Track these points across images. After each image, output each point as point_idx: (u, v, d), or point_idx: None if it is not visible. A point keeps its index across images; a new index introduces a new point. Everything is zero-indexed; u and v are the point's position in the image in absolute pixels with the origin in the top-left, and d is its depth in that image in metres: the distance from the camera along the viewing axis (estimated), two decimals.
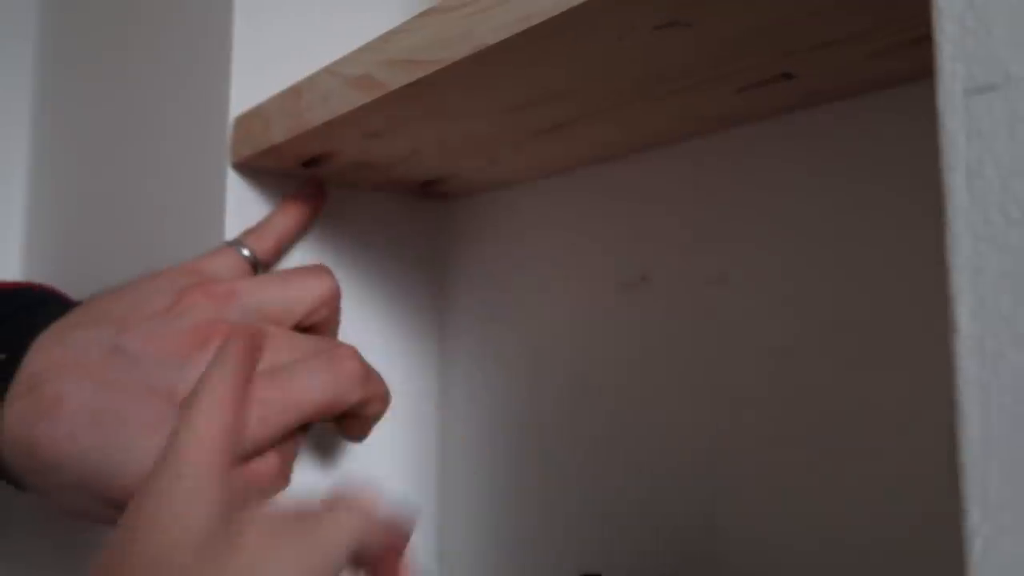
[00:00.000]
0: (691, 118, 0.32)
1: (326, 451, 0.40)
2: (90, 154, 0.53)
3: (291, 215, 0.38)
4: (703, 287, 0.34)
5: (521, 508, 0.40)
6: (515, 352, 0.41)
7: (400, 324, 0.43)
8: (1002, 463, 0.13)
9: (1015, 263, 0.13)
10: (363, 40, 0.30)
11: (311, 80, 0.33)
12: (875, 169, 0.29)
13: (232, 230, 0.37)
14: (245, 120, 0.37)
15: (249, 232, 0.37)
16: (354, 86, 0.30)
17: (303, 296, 0.33)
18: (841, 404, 0.29)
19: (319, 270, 0.34)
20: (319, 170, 0.39)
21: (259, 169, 0.38)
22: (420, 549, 0.43)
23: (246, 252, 0.36)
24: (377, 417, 0.35)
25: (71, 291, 0.37)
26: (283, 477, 0.32)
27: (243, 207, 0.38)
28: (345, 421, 0.34)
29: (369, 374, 0.33)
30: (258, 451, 0.31)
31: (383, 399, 0.34)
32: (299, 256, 0.40)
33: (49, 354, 0.31)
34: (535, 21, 0.23)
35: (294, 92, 0.34)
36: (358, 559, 0.26)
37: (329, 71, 0.32)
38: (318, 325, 0.35)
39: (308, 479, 0.39)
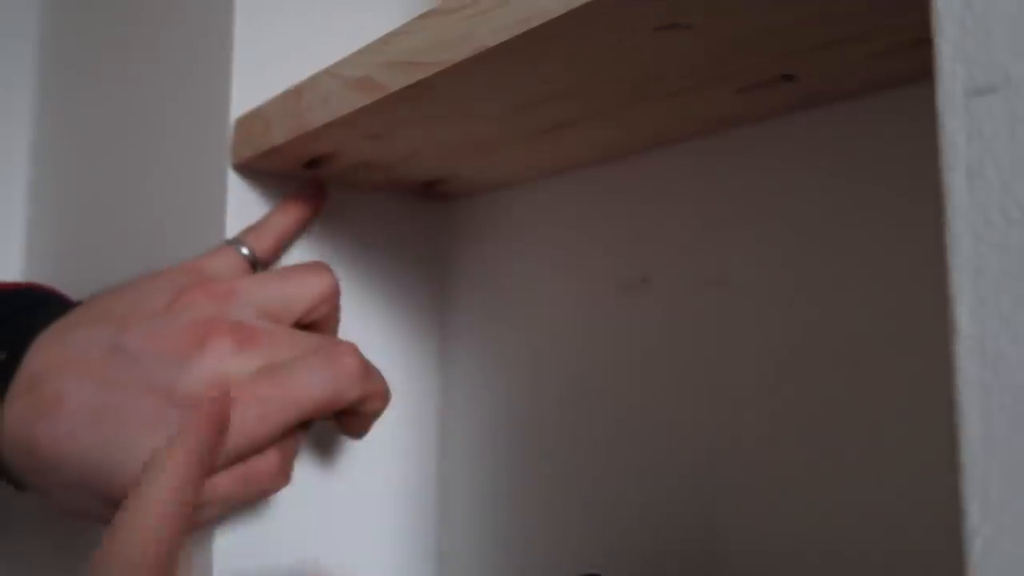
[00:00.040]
0: (691, 119, 0.32)
1: (327, 449, 0.40)
2: (91, 155, 0.53)
3: (290, 214, 0.38)
4: (703, 288, 0.34)
5: (521, 508, 0.40)
6: (516, 352, 0.41)
7: (401, 324, 0.43)
8: (1002, 463, 0.13)
9: (1015, 264, 0.13)
10: (364, 41, 0.30)
11: (311, 82, 0.33)
12: (875, 170, 0.29)
13: (233, 231, 0.37)
14: (246, 121, 0.37)
15: (248, 231, 0.37)
16: (354, 88, 0.30)
17: (302, 293, 0.33)
18: (841, 404, 0.29)
19: (318, 267, 0.34)
20: (320, 171, 0.39)
21: (260, 170, 0.38)
22: (420, 549, 0.43)
23: (245, 251, 0.36)
24: (377, 414, 0.35)
25: (72, 292, 0.37)
26: (283, 475, 0.32)
27: (244, 208, 0.38)
28: (345, 418, 0.34)
29: (369, 371, 0.33)
30: (258, 449, 0.31)
31: (383, 396, 0.34)
32: (300, 256, 0.40)
33: (49, 353, 0.31)
34: (535, 23, 0.23)
35: (294, 94, 0.34)
36: None
37: (329, 73, 0.32)
38: (318, 322, 0.35)
39: (309, 477, 0.39)
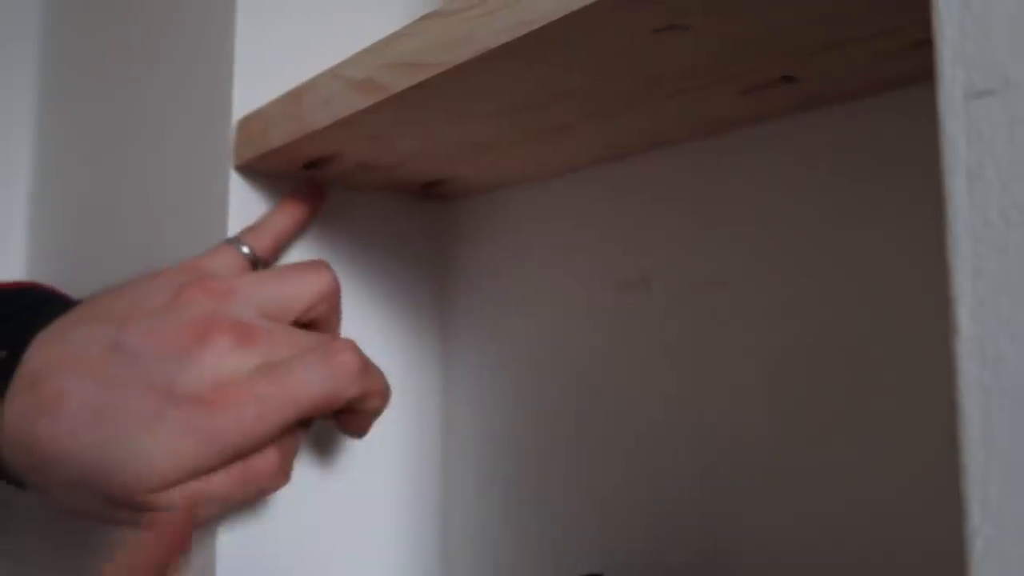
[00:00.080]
0: (692, 120, 0.32)
1: (328, 449, 0.40)
2: (92, 155, 0.53)
3: (290, 213, 0.38)
4: (704, 288, 0.34)
5: (523, 507, 0.40)
6: (516, 352, 0.42)
7: (401, 324, 0.43)
8: (1003, 464, 0.13)
9: (1015, 265, 0.13)
10: (366, 43, 0.30)
11: (313, 83, 0.33)
12: (875, 171, 0.29)
13: (234, 232, 0.37)
14: (247, 123, 0.37)
15: (248, 230, 0.37)
16: (356, 89, 0.30)
17: (301, 292, 0.33)
18: (842, 404, 0.29)
19: (318, 265, 0.34)
20: (321, 172, 0.39)
21: (261, 171, 0.38)
22: (422, 549, 0.43)
23: (245, 250, 0.36)
24: (377, 413, 0.34)
25: (74, 293, 0.37)
26: (283, 474, 0.32)
27: (246, 209, 0.38)
28: (344, 417, 0.34)
29: (367, 368, 0.33)
30: (256, 448, 0.31)
31: (382, 394, 0.34)
32: (300, 255, 0.40)
33: (50, 351, 0.31)
34: (536, 25, 0.23)
35: (296, 95, 0.34)
36: None
37: (331, 74, 0.32)
38: (318, 321, 0.35)
39: (310, 477, 0.39)
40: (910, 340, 0.28)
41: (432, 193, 0.44)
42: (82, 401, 0.30)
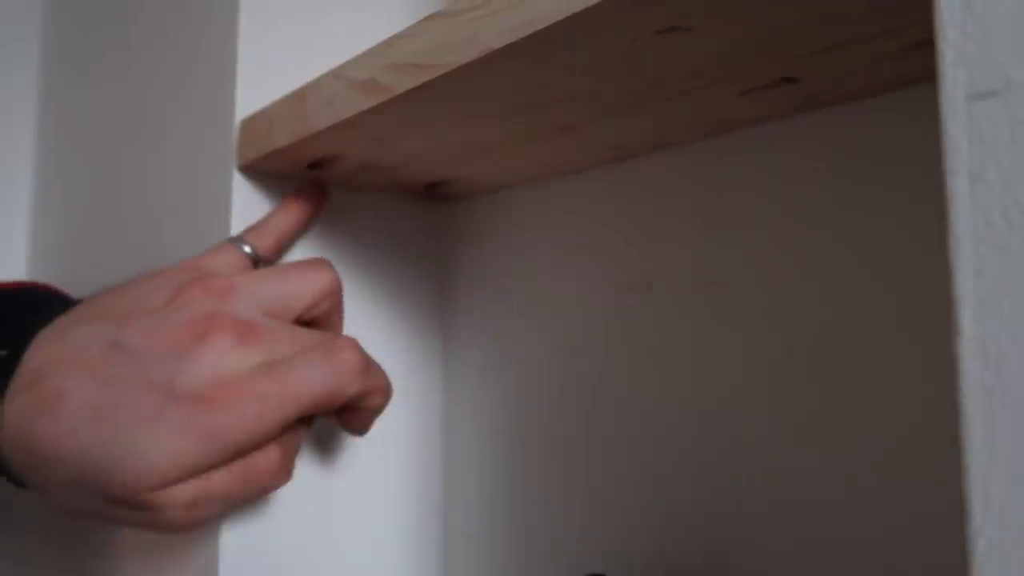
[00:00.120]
0: (693, 121, 0.32)
1: (331, 447, 0.40)
2: (95, 156, 0.53)
3: (292, 212, 0.38)
4: (705, 289, 0.34)
5: (524, 507, 0.40)
6: (518, 352, 0.42)
7: (403, 323, 0.44)
8: (1005, 465, 0.13)
9: (1017, 266, 0.13)
10: (369, 43, 0.30)
11: (316, 84, 0.33)
12: (876, 171, 0.29)
13: (238, 233, 0.37)
14: (250, 123, 0.37)
15: (250, 229, 0.37)
16: (359, 90, 0.30)
17: (303, 289, 0.33)
18: (842, 405, 0.29)
19: (319, 263, 0.34)
20: (324, 173, 0.39)
21: (265, 172, 0.38)
22: (423, 547, 0.43)
23: (247, 249, 0.36)
24: (378, 410, 0.34)
25: (77, 293, 0.37)
26: (284, 472, 0.32)
27: (249, 209, 0.38)
28: (346, 415, 0.34)
29: (369, 365, 0.33)
30: (257, 445, 0.31)
31: (384, 392, 0.34)
32: (302, 256, 0.40)
33: (50, 350, 0.31)
34: (539, 26, 0.23)
35: (299, 96, 0.34)
36: None
37: (334, 75, 0.32)
38: (320, 319, 0.35)
39: (312, 475, 0.39)
40: (910, 340, 0.28)
41: (435, 194, 0.44)
42: (82, 400, 0.30)
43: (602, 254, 0.38)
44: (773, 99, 0.30)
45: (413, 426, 0.43)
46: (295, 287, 0.33)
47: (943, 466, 0.26)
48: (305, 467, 0.39)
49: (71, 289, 0.38)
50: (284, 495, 0.38)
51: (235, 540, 0.36)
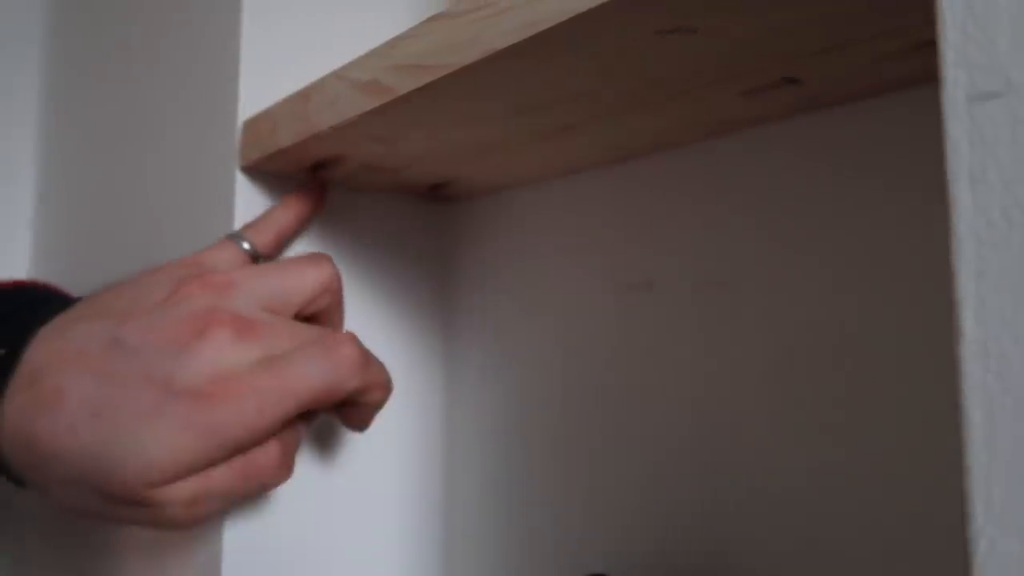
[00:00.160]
0: (694, 122, 0.32)
1: (332, 444, 0.40)
2: (97, 156, 0.53)
3: (291, 210, 0.38)
4: (706, 289, 0.34)
5: (525, 506, 0.41)
6: (519, 352, 0.42)
7: (404, 323, 0.44)
8: (1006, 465, 0.13)
9: (1018, 266, 0.13)
10: (371, 44, 0.30)
11: (319, 84, 0.33)
12: (877, 172, 0.29)
13: None
14: (253, 124, 0.37)
15: (249, 226, 0.37)
16: (362, 91, 0.30)
17: (302, 285, 0.33)
18: (843, 405, 0.29)
19: (318, 258, 0.34)
20: (327, 173, 0.39)
21: (267, 172, 0.39)
22: (425, 545, 0.43)
23: (246, 245, 0.36)
24: (378, 406, 0.34)
25: (79, 294, 0.37)
26: (285, 468, 0.32)
27: (252, 210, 0.38)
28: (346, 410, 0.34)
29: (368, 360, 0.32)
30: (257, 441, 0.30)
31: (384, 387, 0.34)
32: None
33: (49, 348, 0.31)
34: (542, 26, 0.23)
35: (302, 96, 0.34)
36: None
37: (337, 76, 0.32)
38: (320, 314, 0.35)
39: (312, 472, 0.39)
40: (911, 340, 0.28)
41: (437, 195, 0.44)
42: (82, 398, 0.30)
43: (603, 254, 0.38)
44: (774, 99, 0.30)
45: (414, 425, 0.43)
46: (294, 282, 0.33)
47: (943, 466, 0.26)
48: (307, 465, 0.39)
49: (74, 290, 0.38)
50: (286, 493, 0.38)
51: (237, 538, 0.36)
